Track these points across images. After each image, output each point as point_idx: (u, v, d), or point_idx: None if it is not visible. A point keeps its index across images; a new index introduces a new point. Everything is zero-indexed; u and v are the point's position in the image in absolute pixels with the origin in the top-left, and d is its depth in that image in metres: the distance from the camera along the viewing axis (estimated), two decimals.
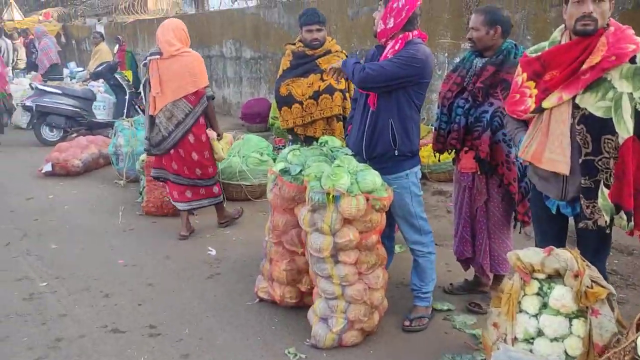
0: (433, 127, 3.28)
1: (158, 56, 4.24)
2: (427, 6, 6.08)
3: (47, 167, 6.52)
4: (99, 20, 17.47)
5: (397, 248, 3.73)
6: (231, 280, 3.72)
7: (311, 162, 3.01)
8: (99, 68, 9.15)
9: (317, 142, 3.33)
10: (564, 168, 2.32)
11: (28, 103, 8.30)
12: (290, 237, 3.10)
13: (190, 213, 4.71)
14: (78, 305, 3.39)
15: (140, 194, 5.44)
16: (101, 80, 9.29)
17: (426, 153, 5.11)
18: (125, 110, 8.73)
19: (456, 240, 3.32)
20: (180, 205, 4.54)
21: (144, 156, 5.28)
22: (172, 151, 4.39)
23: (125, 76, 9.53)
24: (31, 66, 13.72)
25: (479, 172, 3.06)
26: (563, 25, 2.38)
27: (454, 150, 3.21)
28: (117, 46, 11.41)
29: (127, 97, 8.89)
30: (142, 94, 4.52)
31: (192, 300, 3.44)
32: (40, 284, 3.69)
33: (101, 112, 9.03)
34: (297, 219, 2.95)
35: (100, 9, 18.56)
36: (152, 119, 4.38)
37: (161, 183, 4.82)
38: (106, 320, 3.19)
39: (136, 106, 8.93)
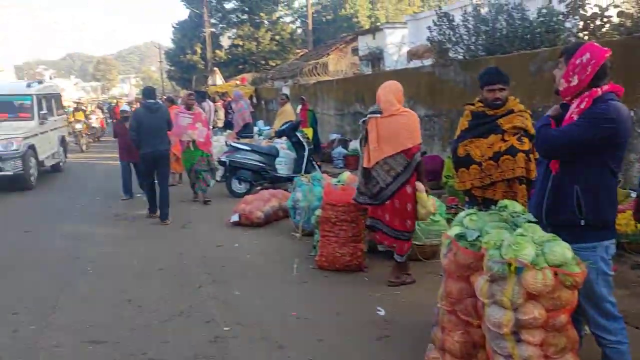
0: (633, 193, 2.90)
1: (378, 115, 4.59)
2: (625, 57, 5.48)
3: (235, 218, 7.18)
4: (285, 83, 19.21)
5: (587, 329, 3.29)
6: (401, 345, 3.62)
7: (490, 228, 2.84)
8: (283, 127, 9.98)
9: (496, 205, 3.14)
10: None
11: (223, 158, 9.33)
12: (465, 306, 2.92)
13: (361, 270, 4.75)
14: (256, 354, 3.58)
15: (314, 247, 5.67)
16: (284, 138, 10.09)
17: (623, 220, 4.52)
18: (303, 166, 9.31)
19: None
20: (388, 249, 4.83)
21: (319, 211, 5.53)
22: (387, 202, 4.64)
23: (306, 134, 10.23)
24: (227, 125, 15.53)
25: None
26: None
27: None
28: (299, 106, 12.38)
29: (305, 153, 9.49)
30: (359, 148, 5.00)
31: None
32: (224, 328, 3.99)
33: (282, 167, 9.75)
34: (473, 287, 2.78)
35: (287, 73, 20.44)
36: (365, 171, 4.70)
37: (333, 239, 5.02)
38: None
39: (314, 162, 9.49)
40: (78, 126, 18.76)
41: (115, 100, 39.79)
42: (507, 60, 7.44)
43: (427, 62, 10.58)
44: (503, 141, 3.60)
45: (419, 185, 4.69)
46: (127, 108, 10.76)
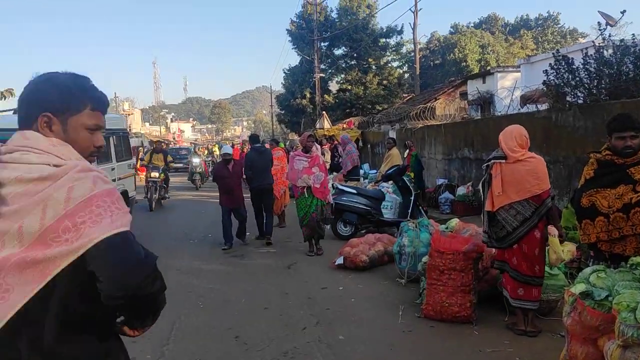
0: None
1: (503, 160, 4.55)
2: None
3: (339, 260, 7.21)
4: (392, 127, 19.30)
5: None
6: None
7: (620, 287, 2.61)
8: (390, 171, 9.97)
9: (626, 262, 2.88)
10: None
11: (330, 201, 9.47)
12: None
13: (470, 322, 4.53)
14: None
15: (420, 295, 5.51)
16: (390, 182, 10.07)
17: None
18: (409, 211, 9.19)
19: None
20: (511, 300, 4.64)
21: (426, 258, 5.40)
22: (515, 246, 4.55)
23: (412, 178, 10.14)
24: (333, 167, 15.83)
25: None
26: None
27: None
28: (407, 150, 12.34)
29: (412, 198, 9.38)
30: (481, 191, 4.94)
31: None
32: None
33: (388, 211, 9.69)
34: (602, 352, 2.54)
35: (394, 117, 20.54)
36: (488, 215, 4.67)
37: (441, 287, 4.88)
38: None
39: (420, 207, 9.33)
40: (154, 174, 13.74)
41: (230, 142, 42.28)
42: (634, 105, 6.92)
43: (542, 107, 10.13)
44: (634, 192, 3.31)
45: (552, 230, 4.57)
46: (229, 150, 10.07)
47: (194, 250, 8.75)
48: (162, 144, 17.32)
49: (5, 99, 9.90)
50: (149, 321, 1.67)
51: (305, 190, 7.91)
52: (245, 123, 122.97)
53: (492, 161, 4.63)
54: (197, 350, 4.45)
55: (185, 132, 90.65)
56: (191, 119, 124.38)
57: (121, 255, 1.40)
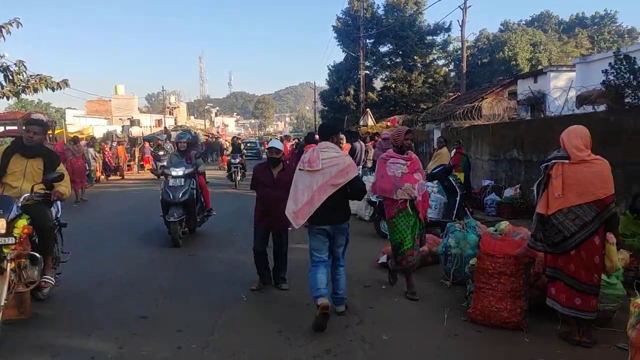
0: None
1: (566, 161, 4.35)
2: None
3: (383, 259, 7.11)
4: (437, 126, 18.97)
5: None
6: None
7: None
8: (436, 170, 9.77)
9: None
10: None
11: (373, 198, 9.37)
12: None
13: (520, 329, 4.35)
14: None
15: (467, 298, 5.36)
16: (436, 181, 9.87)
17: None
18: (455, 211, 8.98)
19: None
20: (564, 310, 4.41)
21: (473, 260, 5.24)
22: (573, 252, 4.34)
23: (459, 179, 9.91)
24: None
25: None
26: None
27: None
28: (454, 150, 12.08)
29: (458, 198, 9.16)
30: (535, 192, 4.71)
31: None
32: None
33: (432, 211, 9.46)
34: None
35: (439, 116, 20.19)
36: (541, 218, 4.46)
37: (489, 291, 4.74)
38: None
39: (466, 208, 9.10)
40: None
41: (272, 137, 42.28)
42: None
43: (600, 108, 9.72)
44: None
45: (611, 237, 4.35)
46: (278, 145, 6.30)
47: (239, 244, 8.77)
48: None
49: (61, 89, 10.23)
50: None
51: (408, 204, 5.67)
52: (288, 119, 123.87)
53: (553, 161, 4.41)
54: (240, 343, 4.46)
55: (229, 126, 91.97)
56: (235, 113, 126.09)
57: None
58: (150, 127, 49.27)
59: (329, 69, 38.70)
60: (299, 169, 4.99)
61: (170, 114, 57.79)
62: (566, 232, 4.30)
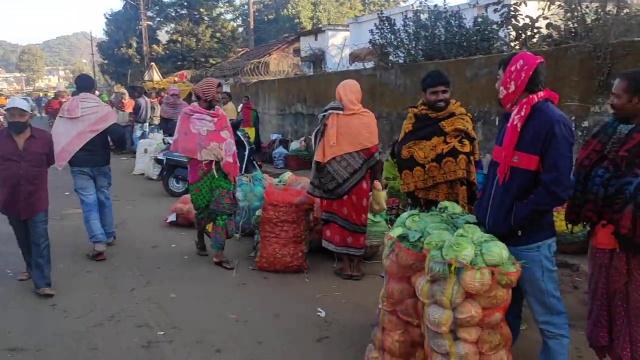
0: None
1: (340, 111, 4.65)
2: (553, 67, 5.76)
3: (172, 217, 6.95)
4: (225, 81, 18.89)
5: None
6: (340, 346, 3.61)
7: (431, 229, 2.87)
8: None
9: (437, 207, 3.19)
10: None
11: (160, 156, 9.02)
12: (406, 306, 2.95)
13: (302, 271, 4.70)
14: (192, 358, 3.45)
15: (254, 248, 5.57)
16: None
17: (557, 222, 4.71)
18: (244, 166, 9.16)
19: (590, 323, 2.93)
20: (337, 249, 4.87)
21: (259, 211, 5.43)
22: (345, 197, 4.73)
23: (247, 133, 10.08)
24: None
25: (618, 250, 2.72)
26: None
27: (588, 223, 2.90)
28: (241, 105, 12.21)
29: (246, 153, 9.33)
30: (313, 141, 5.02)
31: None
32: (159, 332, 3.83)
33: None
34: (414, 288, 2.80)
35: (228, 71, 20.12)
36: (318, 166, 4.77)
37: (274, 239, 4.99)
38: None
39: (254, 162, 9.35)
40: None
41: (44, 93, 37.61)
42: (444, 65, 7.63)
43: (369, 64, 10.70)
44: (445, 143, 3.65)
45: (377, 184, 4.88)
46: (22, 105, 4.51)
47: None
48: None
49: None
50: None
51: (213, 166, 5.22)
52: (62, 73, 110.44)
53: (330, 111, 4.73)
54: (3, 323, 3.97)
55: None
56: None
57: None
58: None
59: (106, 18, 35.41)
60: (59, 117, 5.54)
61: None
62: (339, 179, 4.70)
